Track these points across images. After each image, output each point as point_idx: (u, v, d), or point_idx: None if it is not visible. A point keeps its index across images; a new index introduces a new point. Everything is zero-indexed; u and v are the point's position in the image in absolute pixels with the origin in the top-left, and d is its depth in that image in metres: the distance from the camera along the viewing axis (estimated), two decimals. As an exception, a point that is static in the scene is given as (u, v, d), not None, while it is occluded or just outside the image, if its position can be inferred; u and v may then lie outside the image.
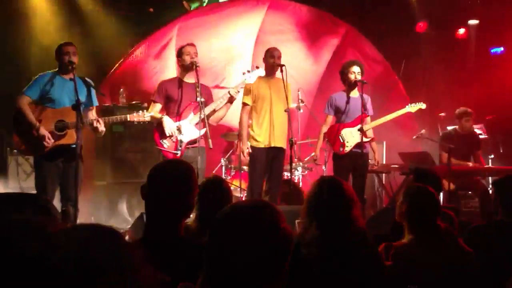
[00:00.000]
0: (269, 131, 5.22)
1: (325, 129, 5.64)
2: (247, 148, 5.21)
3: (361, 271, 2.15)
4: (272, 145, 5.21)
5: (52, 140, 4.46)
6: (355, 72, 5.44)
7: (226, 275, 1.25)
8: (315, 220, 2.20)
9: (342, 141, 5.48)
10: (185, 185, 1.95)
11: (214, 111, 4.91)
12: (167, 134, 4.80)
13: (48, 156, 4.49)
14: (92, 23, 6.64)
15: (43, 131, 4.45)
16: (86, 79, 4.63)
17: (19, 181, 5.64)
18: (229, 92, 4.89)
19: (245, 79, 5.01)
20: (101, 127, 4.50)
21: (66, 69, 4.53)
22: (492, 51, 8.28)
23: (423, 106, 5.72)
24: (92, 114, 4.70)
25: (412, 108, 5.71)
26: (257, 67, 5.19)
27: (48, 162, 4.50)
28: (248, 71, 5.07)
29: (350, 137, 5.43)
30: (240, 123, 5.33)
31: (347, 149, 5.44)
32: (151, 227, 1.93)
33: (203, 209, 2.92)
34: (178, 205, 1.92)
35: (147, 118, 4.66)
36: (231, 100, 4.92)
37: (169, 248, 1.82)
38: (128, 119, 4.62)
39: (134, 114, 4.62)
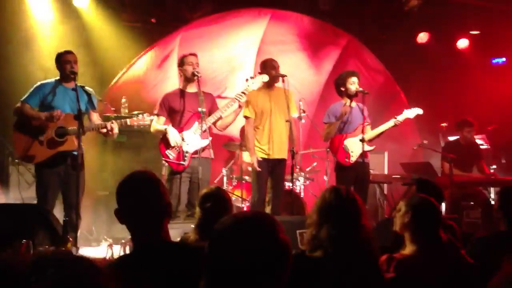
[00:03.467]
0: (268, 143, 5.21)
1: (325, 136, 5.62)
2: (256, 160, 5.16)
3: (363, 278, 2.15)
4: (272, 157, 5.20)
5: (63, 114, 4.45)
6: (355, 82, 5.45)
7: (225, 285, 1.25)
8: (325, 225, 2.20)
9: (347, 151, 5.46)
10: (151, 188, 2.00)
11: (220, 118, 4.91)
12: (172, 145, 4.80)
13: (49, 164, 4.50)
14: (94, 33, 6.66)
15: (50, 112, 4.44)
16: (86, 87, 4.65)
17: (20, 191, 5.63)
18: (235, 98, 4.88)
19: (248, 86, 4.99)
20: (116, 129, 4.49)
21: (68, 78, 4.55)
22: (493, 61, 8.29)
23: (420, 111, 5.59)
24: (97, 118, 4.70)
25: (410, 113, 5.61)
26: (260, 73, 5.19)
27: (49, 170, 4.51)
28: (252, 77, 5.07)
29: (355, 147, 5.42)
30: (246, 136, 5.30)
31: (353, 159, 5.42)
32: (136, 240, 1.98)
33: (202, 220, 2.91)
34: (151, 209, 1.96)
35: (147, 122, 4.66)
36: (240, 104, 4.91)
37: (158, 256, 1.84)
38: (128, 123, 4.62)
39: (134, 118, 4.63)
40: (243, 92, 4.89)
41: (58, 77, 4.64)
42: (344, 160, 5.45)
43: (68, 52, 4.59)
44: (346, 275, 2.12)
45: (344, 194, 2.26)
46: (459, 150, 6.39)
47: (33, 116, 4.49)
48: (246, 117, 5.27)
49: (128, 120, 4.62)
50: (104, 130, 4.50)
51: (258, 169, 5.14)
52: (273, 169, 5.25)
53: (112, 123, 4.49)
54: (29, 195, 5.60)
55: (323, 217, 2.23)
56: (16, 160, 5.59)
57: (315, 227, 2.24)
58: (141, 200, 1.97)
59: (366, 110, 5.55)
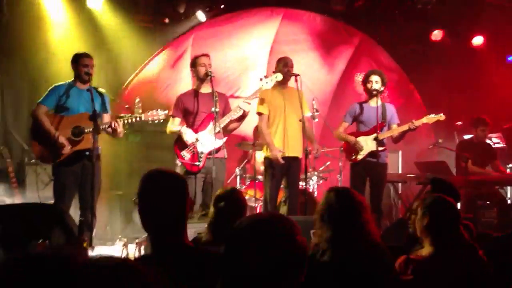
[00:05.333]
0: (283, 141, 5.19)
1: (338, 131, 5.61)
2: (279, 151, 5.09)
3: (372, 273, 2.14)
4: (286, 154, 5.18)
5: (70, 147, 4.52)
6: (373, 81, 5.43)
7: (242, 287, 1.25)
8: (326, 227, 2.21)
9: (356, 148, 5.46)
10: (176, 194, 1.93)
11: (230, 121, 4.92)
12: (187, 143, 4.83)
13: (66, 163, 4.57)
14: (108, 35, 6.71)
15: (62, 139, 4.53)
16: (100, 89, 4.70)
17: (37, 190, 5.70)
18: (239, 106, 4.89)
19: (262, 85, 4.99)
20: (120, 128, 4.54)
21: (83, 79, 4.63)
22: (509, 59, 8.19)
23: (442, 117, 5.40)
24: (107, 118, 4.75)
25: (430, 119, 5.54)
26: (274, 72, 5.19)
27: (66, 169, 4.58)
28: (265, 77, 5.06)
29: (364, 145, 5.40)
30: (261, 133, 5.28)
31: (360, 157, 5.42)
32: (155, 241, 1.91)
33: (217, 220, 2.92)
34: (172, 212, 1.90)
35: (162, 116, 4.68)
36: (244, 113, 4.90)
37: (179, 259, 1.81)
38: (143, 119, 4.65)
39: (149, 113, 4.66)
40: (249, 100, 4.91)
41: (72, 79, 4.72)
42: (350, 157, 5.47)
43: (86, 55, 4.68)
44: (350, 275, 2.11)
45: (334, 195, 2.25)
46: (472, 148, 6.33)
47: (48, 131, 4.54)
48: (259, 113, 5.25)
49: (142, 115, 4.65)
50: (110, 129, 4.55)
51: (282, 161, 5.06)
52: (288, 168, 5.23)
53: (116, 121, 4.52)
54: (45, 195, 5.66)
55: (320, 222, 2.24)
56: (33, 160, 5.66)
57: (318, 232, 2.25)
58: (161, 198, 1.90)
59: (391, 109, 5.52)
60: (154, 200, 1.90)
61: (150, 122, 4.70)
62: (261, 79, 5.03)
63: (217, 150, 4.74)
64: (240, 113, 4.90)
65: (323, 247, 2.19)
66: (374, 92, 5.38)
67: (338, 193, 2.27)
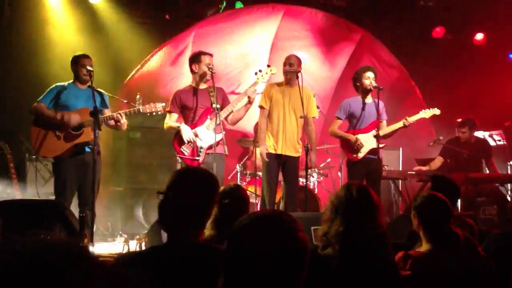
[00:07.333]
0: (278, 138, 5.20)
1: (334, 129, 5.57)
2: (266, 150, 5.18)
3: (377, 272, 2.14)
4: (279, 152, 5.19)
5: (78, 116, 4.58)
6: (371, 78, 5.41)
7: (244, 284, 1.25)
8: (340, 219, 2.20)
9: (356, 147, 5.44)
10: (209, 193, 1.93)
11: (231, 112, 4.93)
12: (186, 141, 4.83)
13: (67, 159, 4.61)
14: (109, 30, 6.70)
15: (64, 114, 4.58)
16: (98, 89, 4.74)
17: (37, 187, 5.71)
18: (246, 92, 4.90)
19: (257, 78, 5.02)
20: (123, 119, 4.60)
21: (82, 79, 4.70)
22: (510, 55, 8.18)
23: (437, 112, 5.56)
24: (108, 113, 4.79)
25: (426, 113, 5.59)
26: (268, 66, 5.20)
27: (67, 166, 4.62)
28: (260, 71, 5.08)
29: (365, 143, 5.40)
30: (259, 126, 5.37)
31: (361, 155, 5.40)
32: (173, 235, 1.91)
33: (219, 216, 2.92)
34: (201, 213, 1.90)
35: (159, 108, 4.72)
36: (250, 100, 4.92)
37: (191, 255, 1.81)
38: (141, 111, 4.71)
39: (147, 106, 4.71)
40: (253, 87, 4.90)
41: (72, 80, 4.81)
42: (351, 156, 5.44)
43: (85, 56, 4.75)
44: (355, 272, 2.11)
45: (355, 190, 2.25)
46: (464, 147, 6.32)
47: (49, 116, 4.61)
48: (260, 107, 5.32)
49: (140, 107, 4.70)
50: (113, 122, 4.61)
51: (266, 159, 5.16)
52: (283, 166, 5.23)
53: (119, 113, 4.59)
54: (46, 191, 5.67)
55: (334, 214, 2.23)
56: (34, 156, 5.67)
57: (327, 224, 2.24)
58: (194, 194, 1.89)
59: (383, 106, 5.51)
60: (185, 195, 1.88)
61: (149, 114, 4.74)
62: (256, 73, 5.06)
63: (217, 144, 4.75)
64: (245, 101, 4.91)
65: (331, 239, 2.18)
66: (370, 88, 5.37)
67: (359, 188, 2.27)
